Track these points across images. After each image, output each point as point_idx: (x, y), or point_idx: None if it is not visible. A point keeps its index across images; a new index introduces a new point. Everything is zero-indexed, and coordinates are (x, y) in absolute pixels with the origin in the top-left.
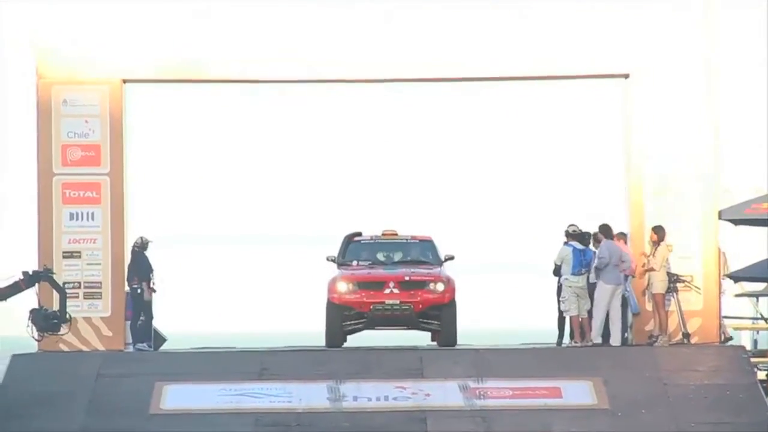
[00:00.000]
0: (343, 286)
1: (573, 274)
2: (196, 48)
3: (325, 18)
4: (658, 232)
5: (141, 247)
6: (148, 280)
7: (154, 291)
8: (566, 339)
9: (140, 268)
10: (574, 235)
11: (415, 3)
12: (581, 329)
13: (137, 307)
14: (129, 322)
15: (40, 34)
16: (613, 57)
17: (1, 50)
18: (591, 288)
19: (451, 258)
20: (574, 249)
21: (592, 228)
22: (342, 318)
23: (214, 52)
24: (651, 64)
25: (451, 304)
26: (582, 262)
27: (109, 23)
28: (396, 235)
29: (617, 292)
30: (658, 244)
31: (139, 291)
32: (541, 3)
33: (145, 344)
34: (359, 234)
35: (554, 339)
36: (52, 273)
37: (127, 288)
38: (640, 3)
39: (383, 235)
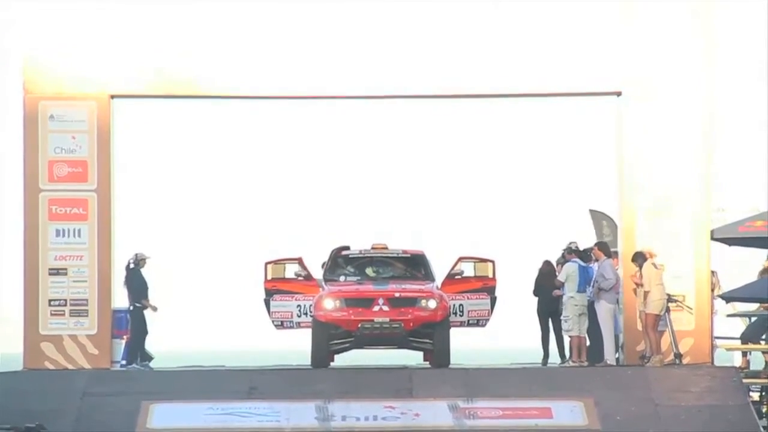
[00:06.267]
0: (329, 303)
1: (579, 291)
2: (185, 63)
3: (312, 35)
4: (636, 259)
5: (135, 263)
6: (145, 298)
7: (154, 309)
8: (552, 358)
9: (132, 287)
10: (577, 252)
11: (409, 21)
12: (578, 349)
13: (135, 326)
14: (125, 341)
15: (28, 48)
16: (606, 75)
17: None
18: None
19: (460, 274)
20: (579, 266)
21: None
22: (329, 337)
23: (204, 68)
24: (643, 83)
25: (444, 323)
26: (586, 279)
27: (97, 38)
28: (386, 248)
29: (614, 310)
30: (641, 267)
31: (131, 308)
32: (534, 21)
33: (134, 364)
34: (347, 248)
35: (538, 359)
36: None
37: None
38: (632, 21)
39: (372, 248)
